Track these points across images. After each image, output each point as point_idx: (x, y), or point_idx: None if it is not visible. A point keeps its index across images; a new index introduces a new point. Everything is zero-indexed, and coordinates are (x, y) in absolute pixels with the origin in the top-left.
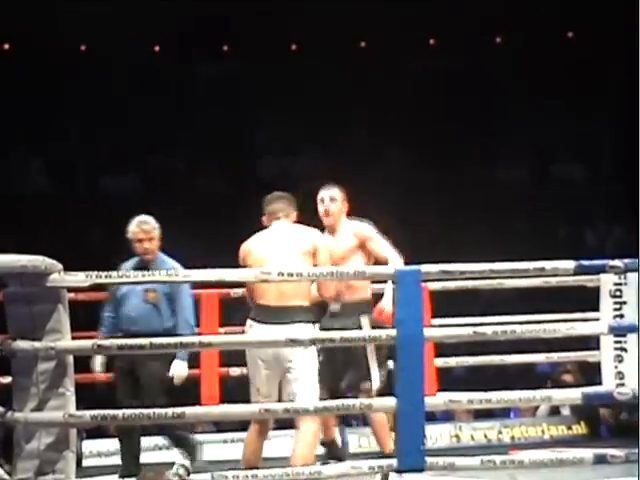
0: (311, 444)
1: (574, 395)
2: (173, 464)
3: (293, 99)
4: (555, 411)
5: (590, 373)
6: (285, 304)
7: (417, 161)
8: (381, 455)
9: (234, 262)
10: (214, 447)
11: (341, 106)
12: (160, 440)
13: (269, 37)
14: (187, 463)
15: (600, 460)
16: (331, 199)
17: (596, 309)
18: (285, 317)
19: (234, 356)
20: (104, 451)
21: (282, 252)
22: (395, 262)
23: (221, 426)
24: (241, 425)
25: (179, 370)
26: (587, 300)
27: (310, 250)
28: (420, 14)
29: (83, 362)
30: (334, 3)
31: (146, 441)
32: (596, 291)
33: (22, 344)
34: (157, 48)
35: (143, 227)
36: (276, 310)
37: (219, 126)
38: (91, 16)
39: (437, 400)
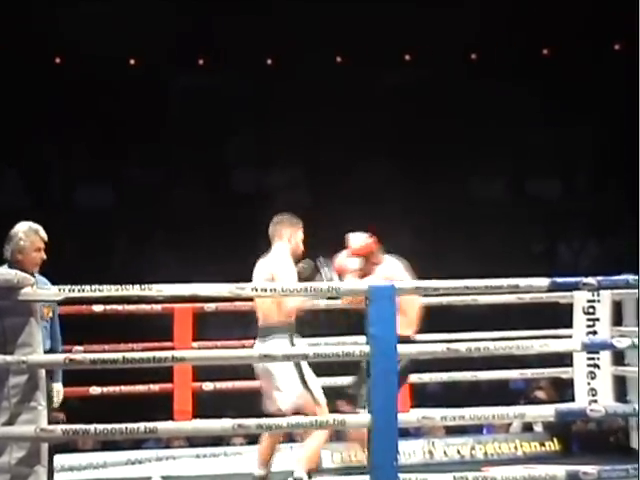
0: (312, 449)
1: (547, 412)
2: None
3: (269, 112)
4: (528, 427)
5: (563, 389)
6: (264, 322)
7: (392, 176)
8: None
9: (207, 275)
10: (186, 462)
11: (316, 119)
12: (133, 454)
13: (245, 50)
14: None
15: (572, 477)
16: None
17: (569, 326)
18: (264, 333)
19: (207, 371)
20: (76, 465)
21: (254, 278)
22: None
23: (194, 441)
24: (213, 440)
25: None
26: (560, 317)
27: (268, 277)
28: (396, 29)
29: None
30: (311, 17)
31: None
32: (569, 308)
33: None
34: (132, 61)
35: (44, 236)
36: (260, 327)
37: (194, 138)
38: (68, 27)
39: (410, 416)
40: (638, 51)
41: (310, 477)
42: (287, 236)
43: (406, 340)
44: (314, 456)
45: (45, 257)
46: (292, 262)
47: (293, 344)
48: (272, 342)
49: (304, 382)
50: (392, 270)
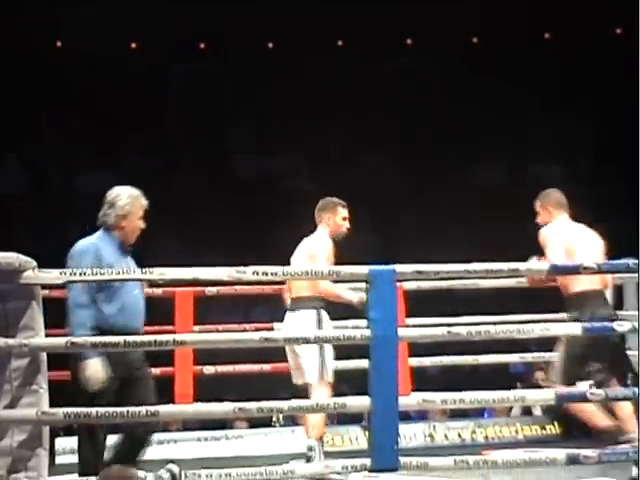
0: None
1: (548, 395)
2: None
3: (270, 97)
4: (527, 411)
5: None
6: (295, 295)
7: (393, 162)
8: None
9: (208, 259)
10: (187, 445)
11: (317, 105)
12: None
13: (246, 35)
14: (176, 470)
15: (573, 460)
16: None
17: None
18: (293, 306)
19: (208, 354)
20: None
21: (293, 257)
22: None
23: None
24: (215, 424)
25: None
26: (561, 301)
27: (303, 257)
28: (397, 14)
29: (57, 359)
30: (312, 1)
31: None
32: None
33: None
34: (133, 45)
35: (145, 203)
36: (291, 300)
37: (195, 124)
38: (66, 13)
39: (411, 400)
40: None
41: (322, 441)
42: (325, 219)
43: None
44: (320, 424)
45: (143, 227)
46: (330, 243)
47: (320, 317)
48: (300, 312)
49: (322, 360)
50: None
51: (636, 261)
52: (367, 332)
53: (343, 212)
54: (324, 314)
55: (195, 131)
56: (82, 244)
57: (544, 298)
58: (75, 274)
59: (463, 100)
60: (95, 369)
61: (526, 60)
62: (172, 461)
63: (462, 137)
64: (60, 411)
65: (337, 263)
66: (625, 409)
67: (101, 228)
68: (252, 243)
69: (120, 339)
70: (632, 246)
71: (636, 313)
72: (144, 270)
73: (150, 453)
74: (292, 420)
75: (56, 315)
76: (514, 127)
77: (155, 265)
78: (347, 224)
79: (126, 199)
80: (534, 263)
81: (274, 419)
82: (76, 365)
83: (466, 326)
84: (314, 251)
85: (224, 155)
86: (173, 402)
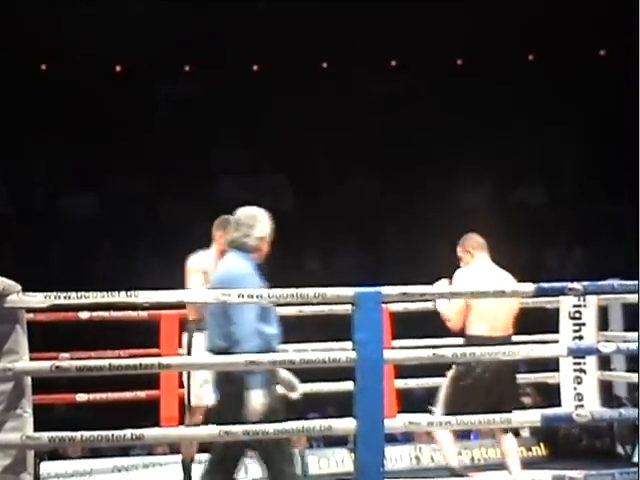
0: None
1: (534, 417)
2: None
3: (255, 119)
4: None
5: (549, 394)
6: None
7: (378, 184)
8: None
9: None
10: (173, 468)
11: (303, 127)
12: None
13: (230, 57)
14: None
15: None
16: None
17: (555, 331)
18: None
19: None
20: (62, 473)
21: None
22: None
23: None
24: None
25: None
26: (547, 322)
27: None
28: (382, 36)
29: (41, 383)
30: (297, 23)
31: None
32: (556, 313)
33: None
34: (118, 68)
35: None
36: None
37: (180, 146)
38: (51, 35)
39: (397, 422)
40: (638, 57)
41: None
42: (217, 237)
43: None
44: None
45: None
46: (209, 261)
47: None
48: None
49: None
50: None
51: (621, 282)
52: (353, 354)
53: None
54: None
55: (180, 153)
56: (241, 266)
57: (528, 319)
58: (60, 297)
59: (448, 121)
60: (259, 401)
61: (511, 81)
62: None
63: (447, 158)
64: (45, 435)
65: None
66: (509, 444)
67: (235, 249)
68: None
69: (105, 363)
70: (618, 266)
71: (621, 334)
72: (129, 293)
73: (136, 477)
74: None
75: (40, 339)
76: (499, 148)
77: (141, 288)
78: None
79: (265, 221)
80: (508, 285)
81: None
82: (235, 393)
83: (452, 348)
84: (189, 265)
85: (209, 177)
86: (159, 425)
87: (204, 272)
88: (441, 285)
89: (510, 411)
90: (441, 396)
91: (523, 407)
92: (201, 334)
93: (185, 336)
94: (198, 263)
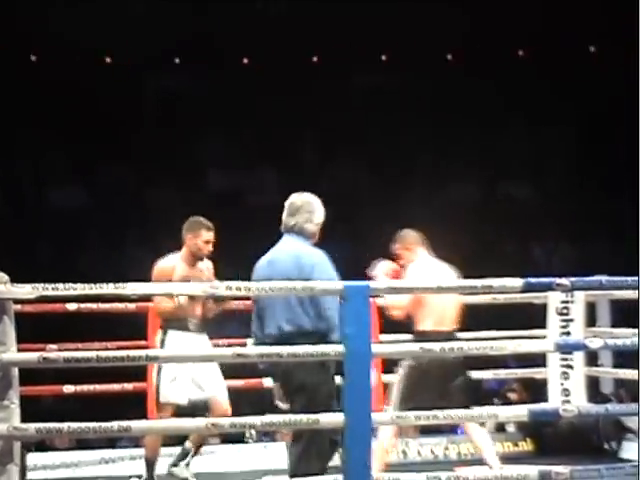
0: None
1: (520, 412)
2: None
3: (243, 112)
4: (500, 428)
5: (536, 390)
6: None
7: (367, 176)
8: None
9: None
10: (160, 461)
11: (292, 120)
12: (107, 453)
13: (221, 50)
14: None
15: (545, 477)
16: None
17: (543, 327)
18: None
19: None
20: (49, 464)
21: None
22: None
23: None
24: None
25: None
26: (534, 318)
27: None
28: (373, 30)
29: (28, 375)
30: (288, 16)
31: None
32: (543, 309)
33: None
34: (108, 59)
35: None
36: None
37: (169, 139)
38: (40, 27)
39: (384, 416)
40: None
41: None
42: (187, 239)
43: None
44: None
45: None
46: (175, 264)
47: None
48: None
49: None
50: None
51: (609, 278)
52: (341, 348)
53: (207, 235)
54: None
55: (168, 145)
56: (317, 252)
57: (517, 314)
58: (47, 289)
59: (436, 116)
60: None
61: (501, 77)
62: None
63: (436, 153)
64: (32, 426)
65: None
66: (479, 436)
67: (293, 234)
68: (224, 257)
69: (92, 354)
70: (606, 263)
71: (608, 330)
72: (117, 285)
73: (123, 469)
74: (265, 435)
75: (28, 330)
76: (488, 143)
77: (128, 279)
78: (209, 247)
79: (321, 208)
80: (504, 280)
81: (247, 435)
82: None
83: (439, 342)
84: (154, 271)
85: (197, 169)
86: (146, 417)
87: (168, 279)
88: (383, 266)
89: (468, 407)
90: (393, 395)
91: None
92: (178, 333)
93: (159, 334)
94: (163, 270)
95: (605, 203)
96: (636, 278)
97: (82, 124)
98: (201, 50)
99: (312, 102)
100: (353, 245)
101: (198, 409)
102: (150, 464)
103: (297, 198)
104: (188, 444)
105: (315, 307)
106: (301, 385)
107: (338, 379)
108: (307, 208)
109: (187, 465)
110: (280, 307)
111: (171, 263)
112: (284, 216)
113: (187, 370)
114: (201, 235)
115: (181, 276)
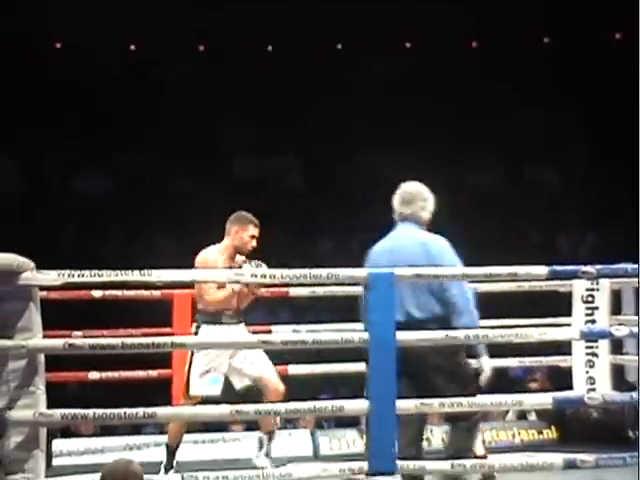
0: None
1: (545, 400)
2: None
3: (269, 100)
4: (522, 416)
5: (560, 378)
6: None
7: (389, 162)
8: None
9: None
10: (185, 447)
11: (314, 107)
12: (131, 440)
13: (244, 37)
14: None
15: (570, 465)
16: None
17: (568, 315)
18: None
19: None
20: (74, 450)
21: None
22: None
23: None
24: (210, 427)
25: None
26: (559, 306)
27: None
28: (395, 17)
29: (54, 361)
30: (309, 4)
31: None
32: (568, 296)
33: None
34: (132, 47)
35: None
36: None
37: (192, 126)
38: (65, 12)
39: (409, 403)
40: (638, 41)
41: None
42: (233, 232)
43: None
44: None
45: None
46: (219, 255)
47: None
48: None
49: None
50: None
51: (635, 266)
52: (365, 335)
53: (253, 230)
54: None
55: (192, 132)
56: (441, 239)
57: (542, 302)
58: (73, 276)
59: (457, 102)
60: (490, 367)
61: (523, 64)
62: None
63: (455, 138)
64: (57, 412)
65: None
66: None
67: (409, 222)
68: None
69: (118, 341)
70: (631, 250)
71: (634, 318)
72: (142, 272)
73: (148, 455)
74: (288, 422)
75: (53, 317)
76: (509, 129)
77: (154, 267)
78: (253, 243)
79: (431, 196)
80: (529, 268)
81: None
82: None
83: (464, 330)
84: (196, 262)
85: (221, 156)
86: (171, 404)
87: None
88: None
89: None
90: None
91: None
92: (211, 327)
93: (193, 327)
94: (205, 261)
95: (632, 190)
96: None
97: (107, 112)
98: (221, 38)
99: (336, 88)
100: (378, 233)
101: (250, 396)
102: (171, 451)
103: (410, 187)
104: (260, 434)
105: (442, 292)
106: (437, 366)
107: None
108: (421, 197)
109: (267, 455)
110: (408, 294)
111: (213, 254)
112: (397, 205)
113: (224, 362)
114: (248, 230)
115: (222, 268)
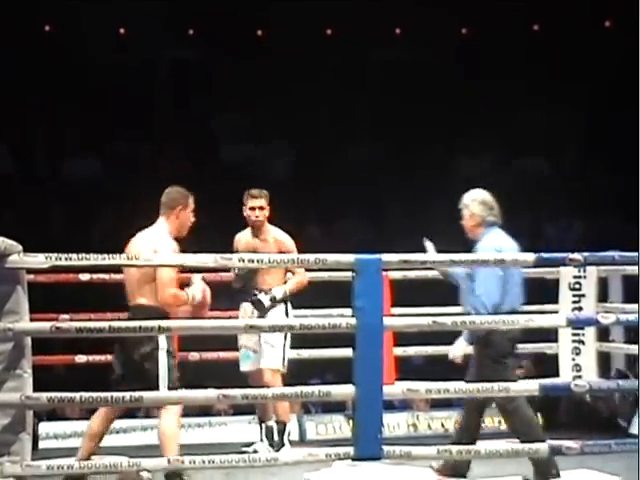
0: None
1: (532, 387)
2: None
3: (257, 85)
4: None
5: (546, 365)
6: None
7: (382, 150)
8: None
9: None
10: None
11: (306, 93)
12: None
13: (236, 22)
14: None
15: (556, 451)
16: (260, 208)
17: (554, 302)
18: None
19: (193, 341)
20: (60, 433)
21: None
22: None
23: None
24: (198, 410)
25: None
26: (546, 292)
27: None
28: (387, 3)
29: (40, 344)
30: None
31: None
32: (555, 283)
33: None
34: (122, 30)
35: None
36: None
37: (183, 110)
38: None
39: (395, 389)
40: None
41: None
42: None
43: None
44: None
45: None
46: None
47: None
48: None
49: (284, 349)
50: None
51: (622, 254)
52: (352, 321)
53: (251, 202)
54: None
55: (183, 118)
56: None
57: (529, 289)
58: (61, 259)
59: (450, 90)
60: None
61: (514, 51)
62: None
63: (448, 126)
64: (44, 395)
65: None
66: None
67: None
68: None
69: (105, 325)
70: (618, 240)
71: (620, 305)
72: (130, 256)
73: (134, 439)
74: None
75: (41, 300)
76: (502, 119)
77: None
78: (255, 213)
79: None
80: (517, 254)
81: None
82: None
83: (451, 316)
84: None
85: (210, 142)
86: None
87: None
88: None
89: None
90: None
91: None
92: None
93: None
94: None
95: (622, 180)
96: None
97: (97, 95)
98: (215, 22)
99: (327, 75)
100: (366, 219)
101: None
102: (283, 429)
103: (483, 194)
104: (270, 422)
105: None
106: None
107: None
108: (491, 204)
109: (277, 446)
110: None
111: (242, 235)
112: (484, 211)
113: (253, 338)
114: (247, 204)
115: (245, 246)
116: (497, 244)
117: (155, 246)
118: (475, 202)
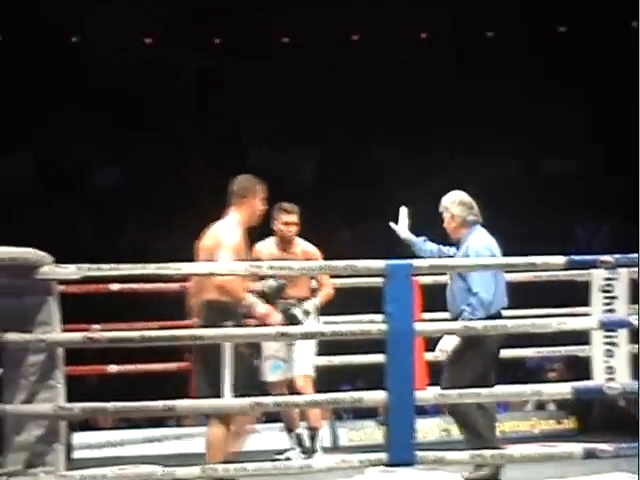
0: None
1: (564, 390)
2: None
3: (284, 92)
4: (540, 406)
5: (579, 368)
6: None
7: (405, 152)
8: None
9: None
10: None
11: (330, 99)
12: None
13: (260, 29)
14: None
15: (589, 455)
16: (295, 224)
17: (586, 304)
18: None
19: None
20: (94, 443)
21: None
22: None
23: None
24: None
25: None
26: (577, 295)
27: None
28: (413, 8)
29: (73, 354)
30: None
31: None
32: (586, 286)
33: (12, 336)
34: (148, 40)
35: None
36: None
37: (207, 118)
38: (80, 6)
39: (427, 394)
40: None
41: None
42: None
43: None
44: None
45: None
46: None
47: None
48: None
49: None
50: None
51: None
52: (383, 326)
53: (285, 218)
54: None
55: (207, 125)
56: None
57: (559, 292)
58: (92, 269)
59: (476, 92)
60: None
61: (541, 53)
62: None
63: (474, 127)
64: (77, 406)
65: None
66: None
67: (476, 226)
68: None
69: (137, 334)
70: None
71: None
72: (160, 265)
73: (165, 448)
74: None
75: (73, 310)
76: (524, 120)
77: (170, 259)
78: (289, 229)
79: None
80: (547, 258)
81: None
82: None
83: (482, 320)
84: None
85: (237, 148)
86: (190, 397)
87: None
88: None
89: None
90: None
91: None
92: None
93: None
94: (255, 252)
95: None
96: None
97: (124, 104)
98: (240, 30)
99: (352, 80)
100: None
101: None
102: (314, 435)
103: (461, 195)
104: (300, 430)
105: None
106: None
107: None
108: (470, 204)
109: (308, 452)
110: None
111: (264, 246)
112: (464, 211)
113: (282, 348)
114: (281, 218)
115: (269, 258)
116: (486, 243)
117: (218, 239)
118: (454, 203)
